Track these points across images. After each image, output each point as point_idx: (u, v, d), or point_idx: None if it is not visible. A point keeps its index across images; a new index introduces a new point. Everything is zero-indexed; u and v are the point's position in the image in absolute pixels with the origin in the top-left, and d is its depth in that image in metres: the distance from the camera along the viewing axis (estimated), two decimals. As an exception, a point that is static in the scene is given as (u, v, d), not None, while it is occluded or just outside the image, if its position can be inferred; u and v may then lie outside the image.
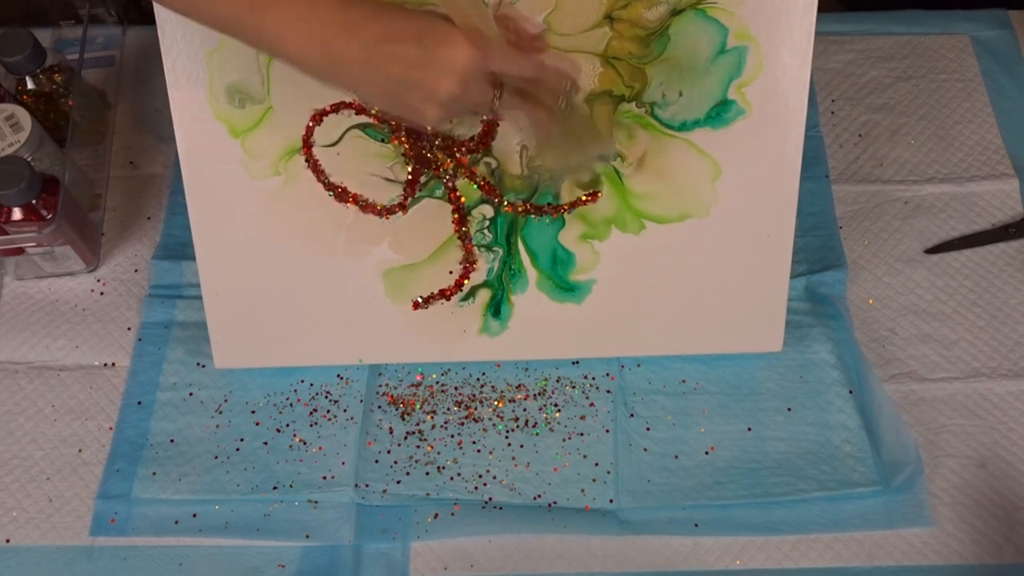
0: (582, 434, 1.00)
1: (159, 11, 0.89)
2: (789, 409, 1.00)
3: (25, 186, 1.00)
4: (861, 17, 1.26)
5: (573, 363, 1.03)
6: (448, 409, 1.02)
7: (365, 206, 0.96)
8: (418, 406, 1.02)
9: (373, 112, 0.93)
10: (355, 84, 0.76)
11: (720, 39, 0.89)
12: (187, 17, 0.75)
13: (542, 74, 0.82)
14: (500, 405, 1.02)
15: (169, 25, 0.89)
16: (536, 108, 0.84)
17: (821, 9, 0.87)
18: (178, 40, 0.90)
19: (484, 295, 0.99)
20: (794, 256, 0.98)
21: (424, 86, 0.74)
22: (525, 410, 1.01)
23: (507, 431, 1.00)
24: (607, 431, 1.00)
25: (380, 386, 1.03)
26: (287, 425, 1.01)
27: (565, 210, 0.96)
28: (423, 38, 0.73)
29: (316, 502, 0.97)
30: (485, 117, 0.84)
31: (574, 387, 1.02)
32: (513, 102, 0.81)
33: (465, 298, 1.00)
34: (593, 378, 1.03)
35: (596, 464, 0.98)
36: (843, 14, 1.27)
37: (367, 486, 0.97)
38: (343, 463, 0.99)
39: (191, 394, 1.03)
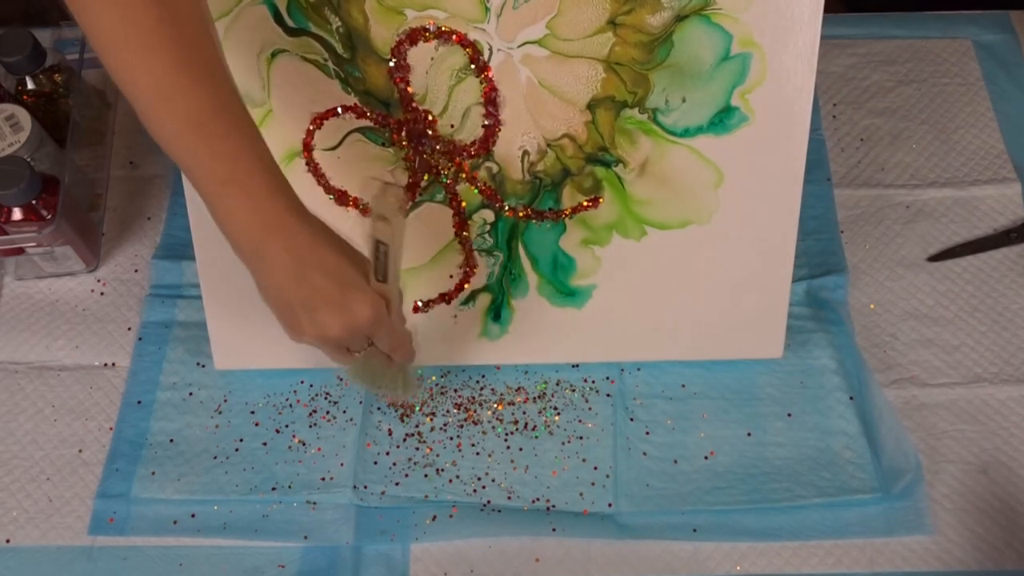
0: (581, 438, 1.00)
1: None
2: (789, 415, 1.00)
3: (25, 186, 1.00)
4: (863, 21, 1.26)
5: (573, 367, 1.03)
6: (447, 411, 1.02)
7: (366, 209, 0.96)
8: (417, 408, 1.02)
9: (373, 115, 0.93)
10: (265, 280, 0.80)
11: (724, 45, 0.88)
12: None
13: (395, 352, 0.89)
14: (499, 408, 1.02)
15: (169, 27, 0.89)
16: (381, 357, 0.89)
17: (824, 11, 0.87)
18: (178, 42, 0.89)
19: (484, 299, 0.99)
20: (795, 260, 0.97)
21: (319, 318, 0.80)
22: (524, 413, 1.01)
23: (506, 434, 1.00)
24: (606, 435, 1.00)
25: (380, 388, 1.03)
26: (286, 426, 1.01)
27: (566, 215, 0.95)
28: (346, 285, 0.79)
29: (315, 503, 0.97)
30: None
31: (574, 390, 1.02)
32: (372, 352, 0.87)
33: (465, 302, 1.00)
34: (593, 381, 1.03)
35: (595, 468, 0.98)
36: (845, 17, 1.27)
37: (366, 487, 0.97)
38: (342, 464, 0.99)
39: (191, 394, 1.03)
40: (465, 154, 0.94)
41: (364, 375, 0.93)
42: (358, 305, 0.80)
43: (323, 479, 0.98)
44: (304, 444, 1.00)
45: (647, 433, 1.00)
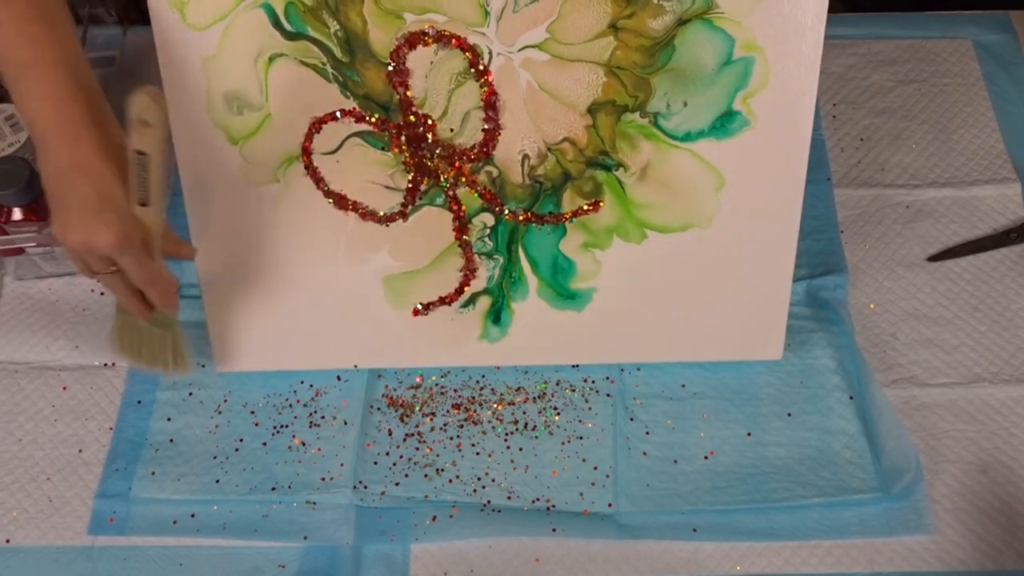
0: (581, 438, 1.00)
1: (155, 17, 0.88)
2: (789, 414, 1.00)
3: (25, 186, 1.00)
4: (863, 21, 1.26)
5: (573, 367, 1.03)
6: (447, 411, 1.02)
7: (365, 213, 0.96)
8: (417, 408, 1.02)
9: (372, 120, 0.92)
10: (43, 166, 0.79)
11: (726, 49, 0.88)
12: None
13: (149, 290, 0.88)
14: (499, 408, 1.02)
15: (165, 32, 0.88)
16: (133, 298, 0.88)
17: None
18: (175, 46, 0.89)
19: (484, 302, 0.99)
20: (795, 260, 0.97)
21: (67, 219, 0.79)
22: (524, 413, 1.01)
23: (506, 434, 1.00)
24: (606, 435, 1.00)
25: (380, 388, 1.03)
26: (286, 426, 1.01)
27: (567, 219, 0.95)
28: (106, 200, 0.79)
29: (314, 503, 0.97)
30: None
31: (574, 390, 1.02)
32: (117, 283, 0.86)
33: (465, 304, 1.00)
34: (593, 381, 1.03)
35: (595, 468, 0.98)
36: (845, 17, 1.27)
37: (365, 488, 0.97)
38: (342, 464, 0.99)
39: (191, 394, 1.03)
40: (465, 158, 0.93)
41: (127, 338, 0.92)
42: (105, 226, 0.78)
43: (323, 479, 0.98)
44: (304, 444, 1.00)
45: (647, 433, 1.00)
